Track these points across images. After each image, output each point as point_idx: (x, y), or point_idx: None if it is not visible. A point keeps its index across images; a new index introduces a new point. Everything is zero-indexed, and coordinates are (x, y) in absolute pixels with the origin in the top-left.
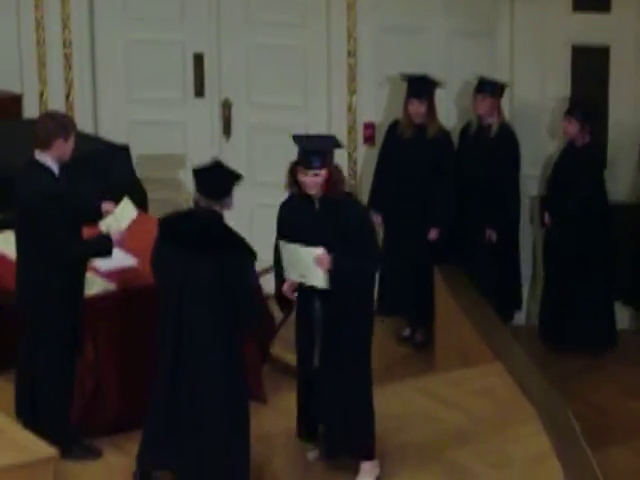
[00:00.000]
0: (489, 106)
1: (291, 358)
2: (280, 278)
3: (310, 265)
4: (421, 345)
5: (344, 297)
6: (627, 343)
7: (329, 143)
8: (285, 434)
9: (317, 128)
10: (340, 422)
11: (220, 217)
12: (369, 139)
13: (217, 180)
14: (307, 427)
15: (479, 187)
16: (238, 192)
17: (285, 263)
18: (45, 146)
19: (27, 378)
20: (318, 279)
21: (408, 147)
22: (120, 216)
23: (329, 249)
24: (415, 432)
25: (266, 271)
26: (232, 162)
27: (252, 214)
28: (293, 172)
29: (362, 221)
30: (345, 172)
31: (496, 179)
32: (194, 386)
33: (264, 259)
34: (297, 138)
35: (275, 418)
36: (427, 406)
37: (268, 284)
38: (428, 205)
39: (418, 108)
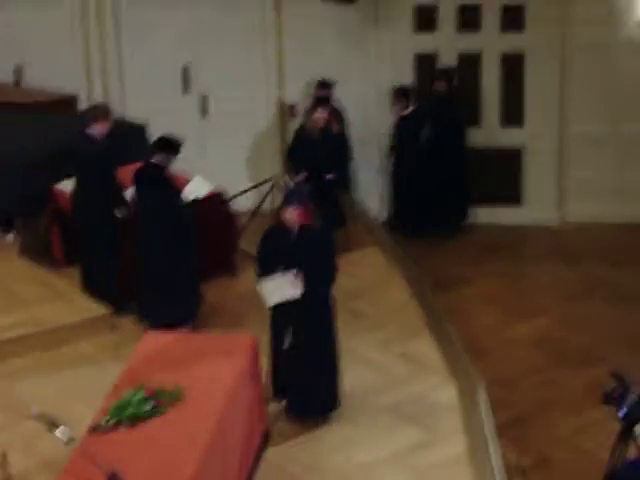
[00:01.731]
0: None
1: (252, 250)
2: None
3: (286, 287)
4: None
5: (311, 300)
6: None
7: (301, 193)
8: (254, 296)
9: (261, 110)
10: (307, 389)
11: (164, 167)
12: (292, 115)
13: (167, 143)
14: (278, 387)
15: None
16: (216, 148)
17: (268, 294)
18: (89, 124)
19: (87, 266)
20: (294, 293)
21: (316, 145)
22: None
23: (300, 267)
24: None
25: (240, 193)
26: (208, 131)
27: (225, 158)
28: (280, 209)
29: (326, 247)
30: (279, 139)
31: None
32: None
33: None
34: (286, 184)
35: (245, 285)
36: None
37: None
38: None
39: (323, 114)
